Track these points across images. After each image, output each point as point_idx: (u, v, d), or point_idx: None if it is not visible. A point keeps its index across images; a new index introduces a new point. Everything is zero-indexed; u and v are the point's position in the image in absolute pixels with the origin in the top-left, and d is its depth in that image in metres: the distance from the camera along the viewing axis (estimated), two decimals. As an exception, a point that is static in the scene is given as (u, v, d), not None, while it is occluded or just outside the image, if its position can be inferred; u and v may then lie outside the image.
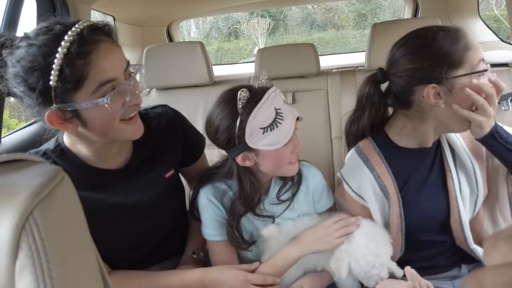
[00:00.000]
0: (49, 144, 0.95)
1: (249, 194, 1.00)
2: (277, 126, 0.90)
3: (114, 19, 2.18)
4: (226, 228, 1.03)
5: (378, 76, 1.03)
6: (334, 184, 1.58)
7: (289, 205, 1.07)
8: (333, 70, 1.81)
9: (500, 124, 1.02)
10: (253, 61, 1.82)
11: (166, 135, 1.07)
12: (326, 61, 1.81)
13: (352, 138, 1.13)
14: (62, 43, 0.75)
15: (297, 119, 0.95)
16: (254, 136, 0.91)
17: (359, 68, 1.84)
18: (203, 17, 4.85)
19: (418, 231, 1.05)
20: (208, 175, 1.09)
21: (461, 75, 0.90)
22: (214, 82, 1.80)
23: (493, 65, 1.48)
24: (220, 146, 0.98)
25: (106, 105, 0.81)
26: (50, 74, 0.76)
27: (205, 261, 1.18)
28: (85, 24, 0.79)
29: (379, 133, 1.09)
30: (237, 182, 1.01)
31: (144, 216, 1.04)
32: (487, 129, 0.93)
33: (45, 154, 0.92)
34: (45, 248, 0.41)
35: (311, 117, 1.68)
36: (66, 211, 0.47)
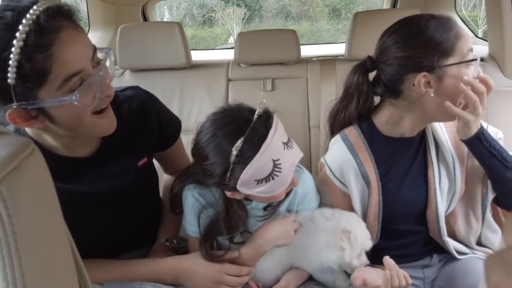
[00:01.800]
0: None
1: (235, 223, 0.96)
2: (273, 179, 0.82)
3: (86, -5, 2.07)
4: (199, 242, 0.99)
5: (367, 65, 1.02)
6: (311, 173, 1.59)
7: (273, 214, 1.02)
8: (313, 59, 1.80)
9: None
10: (230, 48, 1.78)
11: (138, 120, 1.00)
12: (303, 51, 1.80)
13: (338, 126, 1.11)
14: (17, 34, 0.65)
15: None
16: (247, 185, 0.83)
17: (339, 57, 1.83)
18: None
19: (395, 220, 1.06)
20: (193, 174, 1.00)
21: (452, 63, 0.90)
22: (191, 66, 1.74)
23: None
24: (209, 179, 0.88)
25: (75, 102, 0.73)
26: (7, 72, 0.67)
27: (178, 248, 1.15)
28: (41, 9, 0.69)
29: (365, 121, 1.08)
30: (224, 208, 0.95)
31: (116, 205, 0.99)
32: (474, 129, 0.94)
33: None
34: (12, 225, 0.37)
35: (290, 105, 1.67)
36: (37, 186, 0.43)
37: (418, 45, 0.91)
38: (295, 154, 0.86)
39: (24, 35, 0.66)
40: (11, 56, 0.66)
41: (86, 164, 0.92)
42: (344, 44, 1.73)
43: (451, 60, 0.90)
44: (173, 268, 0.97)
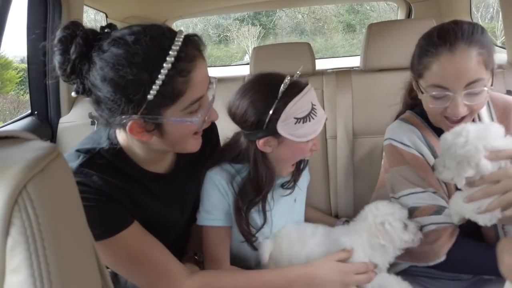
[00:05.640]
0: (98, 143, 0.88)
1: (263, 180, 1.00)
2: (309, 120, 0.92)
3: (107, 16, 2.15)
4: (233, 213, 1.02)
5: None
6: (328, 185, 1.57)
7: (291, 192, 1.10)
8: (328, 70, 1.80)
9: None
10: (245, 64, 1.81)
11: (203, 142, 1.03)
12: (318, 65, 1.82)
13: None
14: (168, 58, 0.73)
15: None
16: (286, 124, 0.91)
17: (354, 68, 1.83)
18: (196, 17, 4.86)
19: None
20: (215, 158, 1.07)
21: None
22: (208, 81, 1.77)
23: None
24: (244, 127, 0.97)
25: (195, 123, 0.81)
26: (151, 89, 0.73)
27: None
28: (183, 36, 0.77)
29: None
30: (252, 166, 1.00)
31: (182, 219, 1.05)
32: None
33: (98, 153, 0.86)
34: (39, 224, 0.38)
35: (306, 117, 1.66)
36: (62, 188, 0.44)
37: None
38: (323, 112, 0.98)
39: (173, 59, 0.73)
40: (159, 76, 0.73)
41: (162, 180, 0.97)
42: (359, 57, 1.73)
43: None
44: (303, 276, 0.98)
